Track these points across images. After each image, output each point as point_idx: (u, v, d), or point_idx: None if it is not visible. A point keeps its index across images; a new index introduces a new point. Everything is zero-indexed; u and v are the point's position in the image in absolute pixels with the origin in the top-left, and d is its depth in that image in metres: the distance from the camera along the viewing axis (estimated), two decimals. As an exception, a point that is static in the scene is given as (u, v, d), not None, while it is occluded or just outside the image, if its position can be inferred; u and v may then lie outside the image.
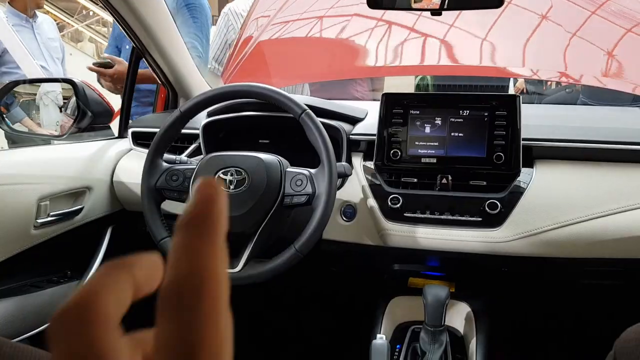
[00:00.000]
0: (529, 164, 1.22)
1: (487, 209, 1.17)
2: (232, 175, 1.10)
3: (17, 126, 1.53)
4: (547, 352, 1.59)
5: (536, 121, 1.26)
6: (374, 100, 2.67)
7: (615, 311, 1.47)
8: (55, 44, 3.33)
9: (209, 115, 1.40)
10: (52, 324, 0.18)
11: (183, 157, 1.29)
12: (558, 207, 1.15)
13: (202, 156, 1.25)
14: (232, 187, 1.09)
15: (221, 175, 1.10)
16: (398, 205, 1.22)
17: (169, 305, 0.20)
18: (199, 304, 0.20)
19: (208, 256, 0.20)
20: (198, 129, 1.37)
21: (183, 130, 1.24)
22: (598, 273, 1.24)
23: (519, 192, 1.18)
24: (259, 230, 1.08)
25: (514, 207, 1.17)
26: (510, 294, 1.42)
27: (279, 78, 1.79)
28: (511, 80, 3.28)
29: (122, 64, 1.83)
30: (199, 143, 1.38)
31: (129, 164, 1.46)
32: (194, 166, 1.16)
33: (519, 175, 1.19)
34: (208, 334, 0.19)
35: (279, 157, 1.15)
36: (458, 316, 1.32)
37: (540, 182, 1.19)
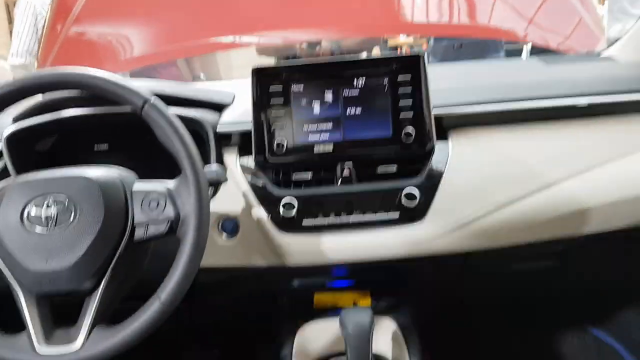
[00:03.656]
0: (442, 136, 1.00)
1: (403, 201, 0.93)
2: (49, 207, 0.74)
3: None
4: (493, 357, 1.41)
5: (439, 84, 1.03)
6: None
7: (550, 296, 1.32)
8: None
9: (15, 120, 1.01)
10: None
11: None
12: (487, 186, 0.95)
13: (5, 181, 0.86)
14: (52, 224, 0.73)
15: (32, 213, 0.73)
16: (293, 212, 0.93)
17: None
18: None
19: None
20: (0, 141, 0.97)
21: None
22: (532, 256, 1.06)
23: (437, 174, 0.96)
24: (103, 285, 0.73)
25: (435, 194, 0.94)
26: (438, 298, 1.20)
27: (112, 63, 1.39)
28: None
29: None
30: (4, 162, 0.98)
31: None
32: None
33: (433, 153, 0.97)
34: None
35: (121, 169, 0.82)
36: (383, 336, 1.07)
37: (459, 157, 0.98)
